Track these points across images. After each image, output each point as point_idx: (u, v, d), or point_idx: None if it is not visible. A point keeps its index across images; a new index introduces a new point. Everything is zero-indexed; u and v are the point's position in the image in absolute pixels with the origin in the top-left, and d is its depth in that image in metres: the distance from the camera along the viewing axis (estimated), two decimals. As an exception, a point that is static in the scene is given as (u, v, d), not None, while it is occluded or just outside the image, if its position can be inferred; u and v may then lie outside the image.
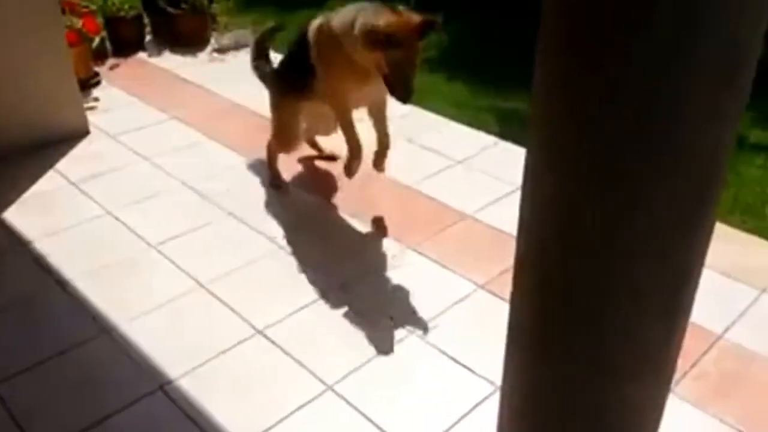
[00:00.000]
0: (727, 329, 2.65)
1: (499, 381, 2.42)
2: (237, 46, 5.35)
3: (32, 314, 2.87)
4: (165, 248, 3.23)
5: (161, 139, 4.15)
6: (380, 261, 3.17)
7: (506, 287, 2.53)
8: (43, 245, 3.24)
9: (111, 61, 5.18)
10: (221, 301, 2.91)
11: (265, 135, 3.68)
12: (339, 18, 3.10)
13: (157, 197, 3.62)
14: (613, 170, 1.18)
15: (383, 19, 2.88)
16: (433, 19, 2.88)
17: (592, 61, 1.14)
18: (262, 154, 3.80)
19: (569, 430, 1.54)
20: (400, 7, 2.98)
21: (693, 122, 1.13)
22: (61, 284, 3.00)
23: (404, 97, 2.96)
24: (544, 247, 1.39)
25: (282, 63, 3.67)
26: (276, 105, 3.64)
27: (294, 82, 3.42)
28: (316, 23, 3.25)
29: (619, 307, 1.31)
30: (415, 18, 2.89)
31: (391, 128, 3.41)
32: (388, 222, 3.40)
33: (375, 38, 2.85)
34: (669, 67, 1.08)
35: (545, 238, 1.39)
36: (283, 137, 3.64)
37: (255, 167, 3.86)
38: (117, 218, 3.44)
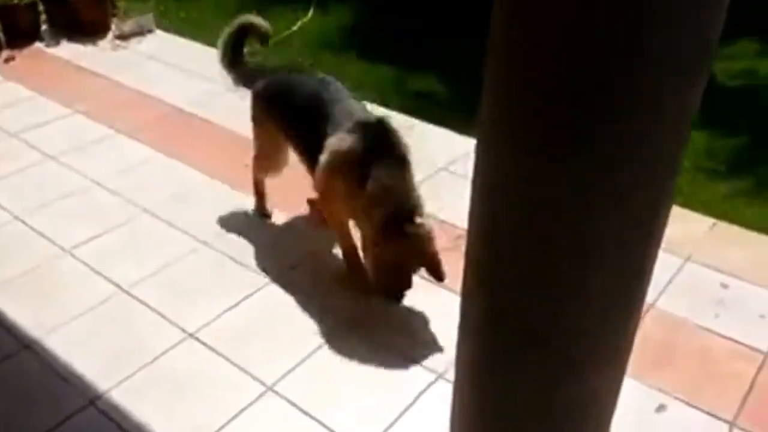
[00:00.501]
0: (656, 299, 2.73)
1: (441, 369, 2.48)
2: (139, 32, 5.13)
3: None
4: (80, 252, 3.07)
5: (67, 136, 3.94)
6: (310, 253, 3.09)
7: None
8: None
9: (5, 53, 4.88)
10: (146, 305, 2.79)
11: (175, 124, 3.52)
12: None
13: (68, 198, 3.43)
14: (565, 168, 1.16)
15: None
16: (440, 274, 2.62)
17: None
18: (175, 145, 3.66)
19: (524, 424, 1.54)
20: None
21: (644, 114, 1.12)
22: (-31, 298, 2.82)
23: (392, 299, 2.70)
24: (497, 240, 1.37)
25: (281, 93, 3.05)
26: (257, 126, 3.18)
27: (294, 134, 2.99)
28: (338, 146, 2.71)
29: (575, 300, 1.31)
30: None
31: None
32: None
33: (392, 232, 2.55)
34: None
35: (497, 228, 1.37)
36: (263, 162, 3.23)
37: (168, 160, 3.71)
38: (25, 223, 3.25)
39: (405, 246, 2.54)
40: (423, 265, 2.61)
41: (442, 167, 3.54)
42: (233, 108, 4.07)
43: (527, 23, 1.12)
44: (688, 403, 2.32)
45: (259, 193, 3.32)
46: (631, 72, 1.07)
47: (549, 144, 1.16)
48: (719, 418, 2.27)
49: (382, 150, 2.65)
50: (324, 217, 3.02)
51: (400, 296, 2.65)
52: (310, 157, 2.83)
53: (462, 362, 1.65)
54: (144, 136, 3.90)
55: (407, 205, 2.58)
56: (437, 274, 2.61)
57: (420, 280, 2.67)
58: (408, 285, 2.62)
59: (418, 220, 2.56)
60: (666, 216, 1.27)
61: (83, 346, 2.61)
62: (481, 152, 1.34)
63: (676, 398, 2.33)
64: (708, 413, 2.29)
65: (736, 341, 2.53)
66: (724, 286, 2.78)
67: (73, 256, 3.05)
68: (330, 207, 2.89)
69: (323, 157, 2.72)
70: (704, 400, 2.32)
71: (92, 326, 2.71)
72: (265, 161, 3.22)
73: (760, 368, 2.43)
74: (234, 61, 3.20)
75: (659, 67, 1.07)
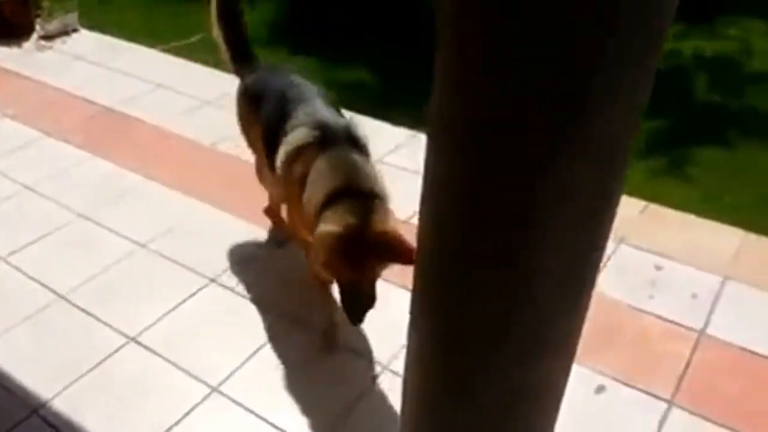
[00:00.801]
0: (592, 281, 2.79)
1: (387, 361, 2.49)
2: (64, 32, 4.99)
3: None
4: (15, 260, 2.99)
5: (-8, 140, 3.82)
6: (251, 252, 3.06)
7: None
8: None
9: (-75, 58, 4.68)
10: (85, 311, 2.73)
11: (105, 124, 3.44)
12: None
13: (-1, 205, 3.34)
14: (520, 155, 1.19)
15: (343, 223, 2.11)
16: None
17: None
18: (107, 146, 3.58)
19: (475, 413, 1.57)
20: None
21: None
22: None
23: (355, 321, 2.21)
24: (445, 226, 1.38)
25: (258, 91, 2.73)
26: (241, 127, 2.90)
27: (261, 136, 2.66)
28: (294, 138, 2.43)
29: (525, 287, 1.33)
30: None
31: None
32: (255, 208, 3.26)
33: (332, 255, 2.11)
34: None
35: (445, 214, 1.38)
36: (258, 172, 2.93)
37: (101, 162, 3.61)
38: (-51, 232, 3.14)
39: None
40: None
41: (376, 159, 3.55)
42: (162, 105, 4.07)
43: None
44: (626, 384, 2.38)
45: (273, 216, 3.01)
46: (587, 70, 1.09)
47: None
48: (658, 397, 2.33)
49: (339, 143, 2.37)
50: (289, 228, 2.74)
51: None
52: (272, 160, 2.56)
53: (412, 353, 1.67)
54: (75, 137, 3.80)
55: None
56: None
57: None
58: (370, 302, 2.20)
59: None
60: (616, 206, 1.30)
61: (23, 355, 2.54)
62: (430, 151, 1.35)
63: (615, 379, 2.39)
64: (646, 392, 2.35)
65: (671, 321, 2.61)
66: (658, 267, 2.86)
67: (7, 263, 2.96)
68: (293, 214, 2.60)
69: (279, 155, 2.49)
70: (642, 379, 2.38)
71: (31, 335, 2.63)
72: (258, 172, 2.91)
73: (694, 347, 2.51)
74: (236, 54, 2.83)
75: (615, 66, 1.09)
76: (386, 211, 2.18)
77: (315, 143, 2.37)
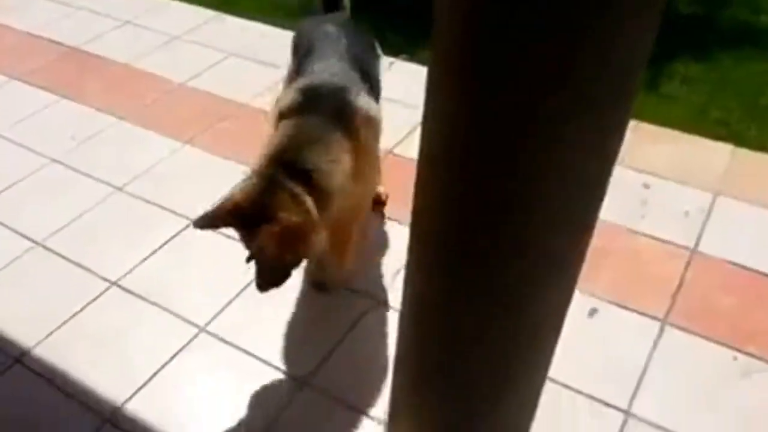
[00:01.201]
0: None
1: (381, 295, 2.45)
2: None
3: None
4: (-17, 209, 2.90)
5: (-47, 87, 3.67)
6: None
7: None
8: None
9: None
10: (64, 257, 2.66)
11: (70, 65, 3.29)
12: None
13: (-42, 152, 3.22)
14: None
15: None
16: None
17: None
18: (74, 87, 3.45)
19: (478, 343, 1.56)
20: None
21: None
22: None
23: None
24: (447, 157, 1.33)
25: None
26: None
27: None
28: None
29: (525, 218, 1.30)
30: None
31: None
32: (234, 145, 3.16)
33: None
34: None
35: (448, 146, 1.34)
36: None
37: (69, 103, 3.48)
38: None
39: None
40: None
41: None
42: (131, 42, 3.91)
43: None
44: (619, 305, 2.36)
45: None
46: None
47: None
48: (651, 317, 2.31)
49: (317, 112, 2.13)
50: None
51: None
52: None
53: (413, 263, 1.63)
54: (39, 80, 3.66)
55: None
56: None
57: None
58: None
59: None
60: (623, 135, 1.27)
61: (2, 303, 2.48)
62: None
63: (608, 301, 2.37)
64: (640, 313, 2.33)
65: (664, 240, 2.58)
66: (647, 186, 2.81)
67: (-24, 213, 2.88)
68: None
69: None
70: (635, 300, 2.36)
71: (9, 284, 2.57)
72: None
73: (687, 265, 2.48)
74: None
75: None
76: (296, 198, 1.94)
77: (294, 108, 2.15)
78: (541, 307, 1.52)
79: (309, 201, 1.94)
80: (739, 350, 2.22)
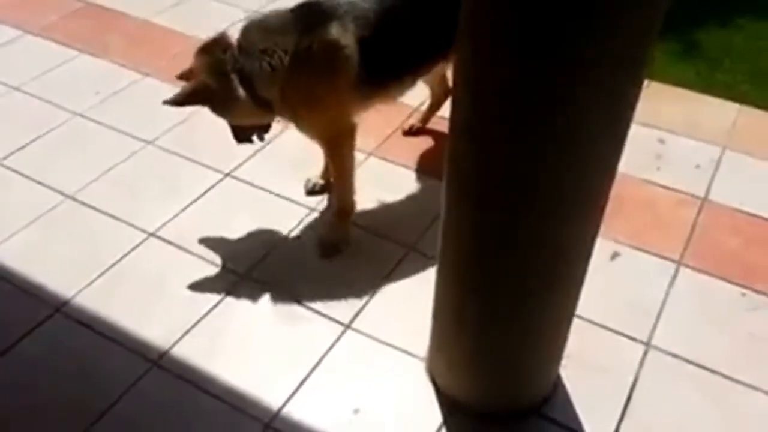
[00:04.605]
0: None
1: (414, 243, 2.56)
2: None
3: None
4: (12, 162, 2.93)
5: (-34, 41, 3.65)
6: (265, 146, 2.97)
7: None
8: None
9: None
10: (97, 209, 2.71)
11: (86, 19, 3.28)
12: None
13: (-19, 106, 3.23)
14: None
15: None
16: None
17: None
18: (93, 42, 3.46)
19: (504, 267, 1.70)
20: None
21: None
22: None
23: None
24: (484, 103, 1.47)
25: None
26: None
27: None
28: None
29: (554, 153, 1.46)
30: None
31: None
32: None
33: None
34: None
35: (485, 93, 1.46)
36: None
37: (90, 58, 3.50)
38: (-57, 136, 3.05)
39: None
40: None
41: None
42: (146, -1, 3.89)
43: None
44: (638, 249, 2.53)
45: None
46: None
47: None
48: (667, 259, 2.49)
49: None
50: None
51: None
52: None
53: (448, 214, 1.75)
54: (57, 35, 3.66)
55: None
56: None
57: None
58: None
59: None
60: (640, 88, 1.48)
61: (37, 256, 2.53)
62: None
63: (628, 245, 2.54)
64: (657, 255, 2.50)
65: (677, 190, 2.75)
66: (662, 141, 2.99)
67: (5, 166, 2.90)
68: None
69: None
70: (653, 244, 2.54)
71: (43, 236, 2.62)
72: None
73: (699, 211, 2.67)
74: None
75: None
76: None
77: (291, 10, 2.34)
78: (571, 239, 1.67)
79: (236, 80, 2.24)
80: (746, 287, 2.41)
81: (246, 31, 2.30)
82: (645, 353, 2.22)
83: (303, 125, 2.41)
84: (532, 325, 1.85)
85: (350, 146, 2.48)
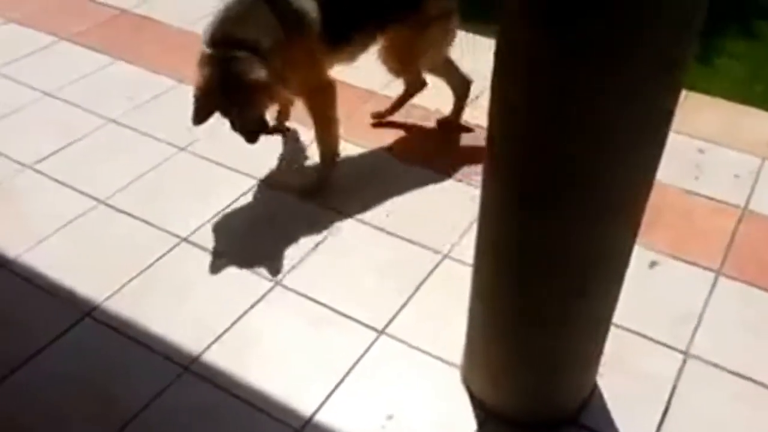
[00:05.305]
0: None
1: (448, 250, 2.55)
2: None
3: None
4: (44, 167, 2.94)
5: (3, 47, 3.67)
6: (296, 152, 3.04)
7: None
8: None
9: None
10: (129, 214, 2.72)
11: (121, 27, 3.32)
12: None
13: (18, 113, 3.25)
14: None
15: None
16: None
17: None
18: (126, 49, 3.49)
19: (542, 274, 1.68)
20: None
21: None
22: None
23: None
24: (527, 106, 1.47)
25: None
26: None
27: None
28: None
29: (594, 155, 1.45)
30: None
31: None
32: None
33: None
34: None
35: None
36: None
37: (123, 65, 3.53)
38: (-26, 141, 3.08)
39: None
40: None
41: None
42: (179, 7, 3.91)
43: None
44: (677, 258, 2.49)
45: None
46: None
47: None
48: (706, 269, 2.45)
49: None
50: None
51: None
52: None
53: (488, 217, 1.73)
54: (91, 41, 3.69)
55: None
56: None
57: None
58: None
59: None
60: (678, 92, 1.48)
61: (67, 260, 2.53)
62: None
63: (667, 254, 2.50)
64: (696, 265, 2.46)
65: (716, 200, 2.72)
66: (701, 151, 2.96)
67: (37, 171, 2.92)
68: None
69: None
70: (692, 253, 2.50)
71: (74, 240, 2.62)
72: None
73: (738, 222, 2.63)
74: None
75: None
76: (250, 62, 2.43)
77: None
78: (609, 246, 1.66)
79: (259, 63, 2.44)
80: (787, 297, 2.37)
81: (221, 26, 2.51)
82: (684, 362, 2.18)
83: (290, 86, 2.63)
84: (570, 333, 1.82)
85: (330, 98, 2.76)
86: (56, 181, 2.87)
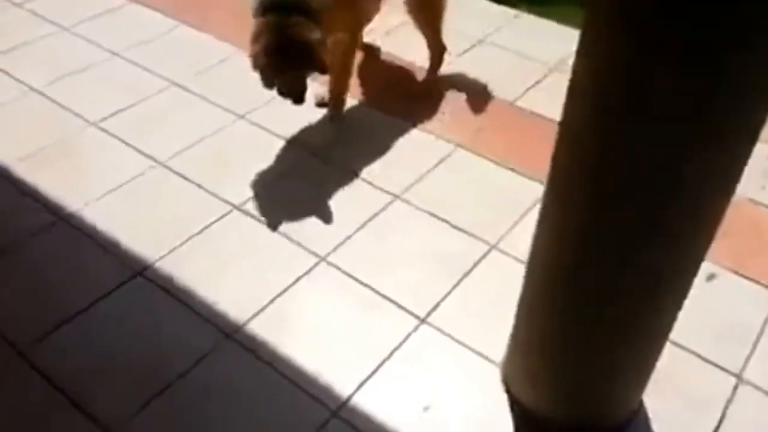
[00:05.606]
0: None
1: (496, 241, 2.51)
2: None
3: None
4: (108, 125, 2.98)
5: (75, 6, 3.73)
6: (355, 126, 3.03)
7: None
8: (-35, 130, 2.94)
9: None
10: (186, 178, 2.74)
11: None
12: None
13: (87, 71, 3.30)
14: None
15: None
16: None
17: None
18: (196, 15, 3.50)
19: (602, 283, 1.62)
20: None
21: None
22: (-5, 171, 2.74)
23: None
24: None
25: None
26: None
27: None
28: None
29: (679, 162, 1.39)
30: None
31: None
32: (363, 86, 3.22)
33: None
34: None
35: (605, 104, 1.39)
36: None
37: (191, 30, 3.54)
38: (44, 95, 3.14)
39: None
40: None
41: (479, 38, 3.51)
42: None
43: None
44: (737, 272, 2.37)
45: None
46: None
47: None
48: (767, 286, 2.33)
49: None
50: None
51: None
52: None
53: (550, 213, 1.68)
54: (159, 4, 3.72)
55: None
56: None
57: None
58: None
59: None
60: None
61: (123, 218, 2.57)
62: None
63: (726, 268, 2.38)
64: (758, 282, 2.34)
65: (783, 211, 2.59)
66: (771, 159, 2.79)
67: (101, 129, 2.96)
68: None
69: None
70: (753, 269, 2.38)
71: (131, 199, 2.66)
72: None
73: (807, 237, 2.49)
74: None
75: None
76: (306, 25, 2.55)
77: None
78: (677, 261, 1.59)
79: (313, 24, 2.57)
80: None
81: None
82: (735, 387, 2.08)
83: (341, 26, 2.80)
84: (627, 348, 1.75)
85: (354, 49, 3.02)
86: (118, 139, 2.91)
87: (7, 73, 3.26)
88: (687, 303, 1.78)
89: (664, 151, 1.38)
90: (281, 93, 2.66)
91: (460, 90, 3.20)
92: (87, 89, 3.18)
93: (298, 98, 2.67)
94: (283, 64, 2.55)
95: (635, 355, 1.80)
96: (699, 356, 2.15)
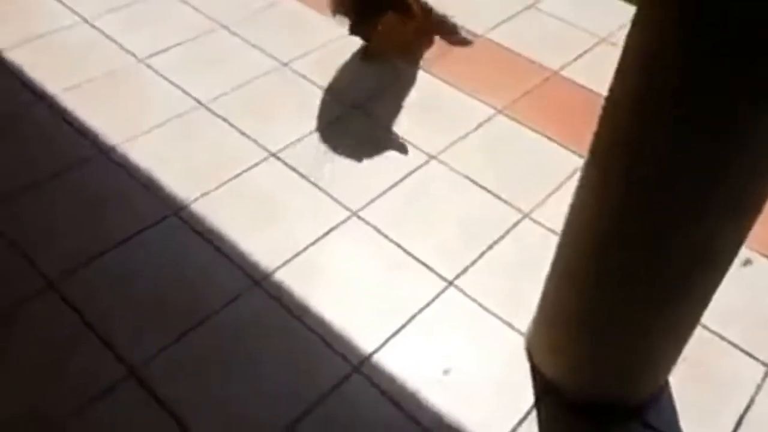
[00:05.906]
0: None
1: (531, 210, 2.49)
2: None
3: (18, 133, 2.66)
4: (154, 62, 3.00)
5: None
6: (400, 83, 3.00)
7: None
8: (17, 55, 2.97)
9: None
10: (227, 121, 2.75)
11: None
12: None
13: (138, 4, 3.30)
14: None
15: None
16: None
17: None
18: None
19: (637, 263, 1.59)
20: None
21: None
22: (44, 100, 2.77)
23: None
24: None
25: None
26: None
27: None
28: None
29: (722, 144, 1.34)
30: None
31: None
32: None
33: None
34: None
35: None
36: None
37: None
38: (94, 26, 3.16)
39: None
40: None
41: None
42: None
43: None
44: (773, 259, 2.34)
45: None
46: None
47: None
48: (805, 275, 2.29)
49: None
50: None
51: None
52: None
53: (589, 187, 1.65)
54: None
55: None
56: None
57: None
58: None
59: None
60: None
61: (163, 157, 2.59)
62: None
63: (762, 254, 2.35)
64: (794, 270, 2.31)
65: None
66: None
67: (147, 66, 2.98)
68: None
69: None
70: (791, 257, 2.34)
71: (172, 138, 2.67)
72: None
73: None
74: None
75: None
76: None
77: None
78: (721, 243, 1.56)
79: None
80: None
81: None
82: (765, 375, 2.05)
83: None
84: (653, 330, 1.73)
85: None
86: (164, 77, 2.93)
87: (60, 2, 3.28)
88: (721, 287, 1.75)
89: (709, 137, 1.34)
90: (351, 31, 2.92)
91: (504, 54, 3.15)
92: (137, 25, 3.19)
93: (368, 34, 2.94)
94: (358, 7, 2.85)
95: (665, 336, 1.78)
96: (728, 341, 2.12)
